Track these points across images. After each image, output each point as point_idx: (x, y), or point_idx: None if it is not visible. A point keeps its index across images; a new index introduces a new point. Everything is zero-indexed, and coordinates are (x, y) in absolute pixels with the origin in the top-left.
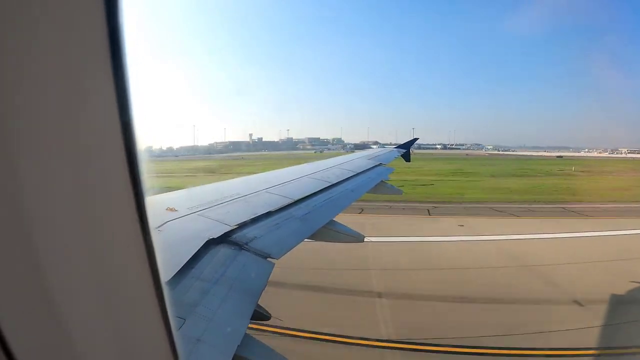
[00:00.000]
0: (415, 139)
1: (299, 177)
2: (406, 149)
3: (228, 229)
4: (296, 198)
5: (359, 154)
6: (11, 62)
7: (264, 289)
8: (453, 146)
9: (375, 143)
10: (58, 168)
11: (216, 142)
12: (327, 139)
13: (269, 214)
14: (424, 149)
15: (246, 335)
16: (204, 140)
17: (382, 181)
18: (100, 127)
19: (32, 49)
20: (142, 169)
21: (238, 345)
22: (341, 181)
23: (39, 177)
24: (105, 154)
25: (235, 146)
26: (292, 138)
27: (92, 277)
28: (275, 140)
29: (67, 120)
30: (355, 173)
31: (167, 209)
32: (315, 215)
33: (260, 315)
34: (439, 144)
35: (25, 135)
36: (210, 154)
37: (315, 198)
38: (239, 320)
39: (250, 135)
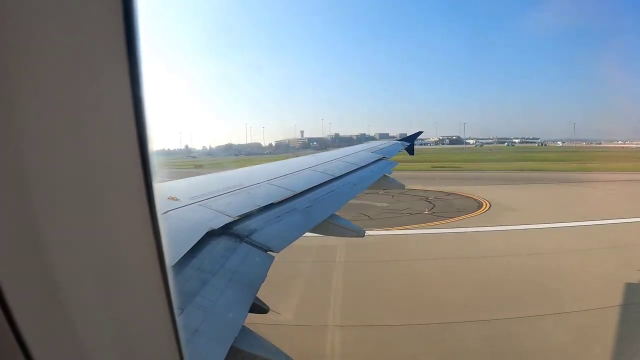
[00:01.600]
0: (420, 132)
1: (302, 170)
2: (410, 142)
3: (229, 220)
4: (298, 191)
5: (361, 146)
6: (29, 61)
7: (262, 282)
8: (529, 140)
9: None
10: (70, 159)
11: (289, 139)
12: (394, 135)
13: (270, 206)
14: (501, 143)
15: (244, 328)
16: (267, 139)
17: (384, 175)
18: (114, 121)
19: (49, 47)
20: (153, 163)
21: (235, 338)
22: (343, 174)
23: (50, 170)
24: (118, 149)
25: (320, 143)
26: (365, 134)
27: (99, 272)
28: (352, 135)
29: (82, 114)
30: (358, 166)
31: (168, 198)
32: (317, 209)
33: (258, 308)
34: (515, 138)
35: (39, 126)
36: (301, 150)
37: (317, 191)
38: (237, 313)
39: (302, 132)
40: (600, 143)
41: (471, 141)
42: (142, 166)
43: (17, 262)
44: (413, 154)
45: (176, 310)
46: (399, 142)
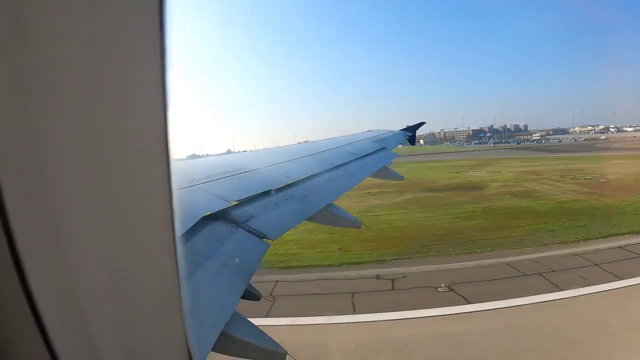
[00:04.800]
0: (423, 123)
1: (301, 157)
2: (412, 132)
3: (226, 205)
4: (297, 178)
5: (362, 135)
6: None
7: (256, 269)
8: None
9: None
10: (93, 156)
11: (444, 131)
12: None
13: (268, 193)
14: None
15: (235, 314)
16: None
17: (384, 166)
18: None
19: (81, 45)
20: (172, 161)
21: (226, 323)
22: (343, 164)
23: (72, 167)
24: (143, 151)
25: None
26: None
27: (116, 267)
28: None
29: (114, 114)
30: (358, 156)
31: None
32: (315, 198)
33: (250, 295)
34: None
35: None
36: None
37: (315, 179)
38: (229, 298)
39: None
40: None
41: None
42: (165, 166)
43: (41, 254)
44: (414, 144)
45: (185, 310)
46: (401, 132)
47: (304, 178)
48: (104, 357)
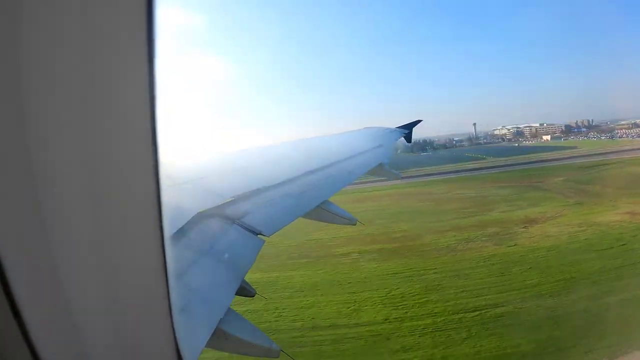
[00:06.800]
0: (419, 121)
1: (297, 154)
2: (409, 130)
3: (222, 201)
4: (292, 175)
5: (359, 132)
6: (46, 60)
7: (251, 265)
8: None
9: None
10: (82, 159)
11: (535, 128)
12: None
13: (264, 189)
14: None
15: (230, 310)
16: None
17: (380, 164)
18: (128, 121)
19: (68, 46)
20: (162, 164)
21: (220, 319)
22: (340, 161)
23: (61, 169)
24: (130, 151)
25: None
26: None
27: (105, 268)
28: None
29: (97, 114)
30: (354, 153)
31: None
32: (310, 195)
33: (245, 292)
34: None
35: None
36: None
37: (312, 177)
38: (224, 295)
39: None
40: None
41: None
42: (153, 168)
43: (27, 253)
44: (410, 142)
45: (174, 309)
46: (398, 129)
47: (300, 175)
48: (91, 356)
